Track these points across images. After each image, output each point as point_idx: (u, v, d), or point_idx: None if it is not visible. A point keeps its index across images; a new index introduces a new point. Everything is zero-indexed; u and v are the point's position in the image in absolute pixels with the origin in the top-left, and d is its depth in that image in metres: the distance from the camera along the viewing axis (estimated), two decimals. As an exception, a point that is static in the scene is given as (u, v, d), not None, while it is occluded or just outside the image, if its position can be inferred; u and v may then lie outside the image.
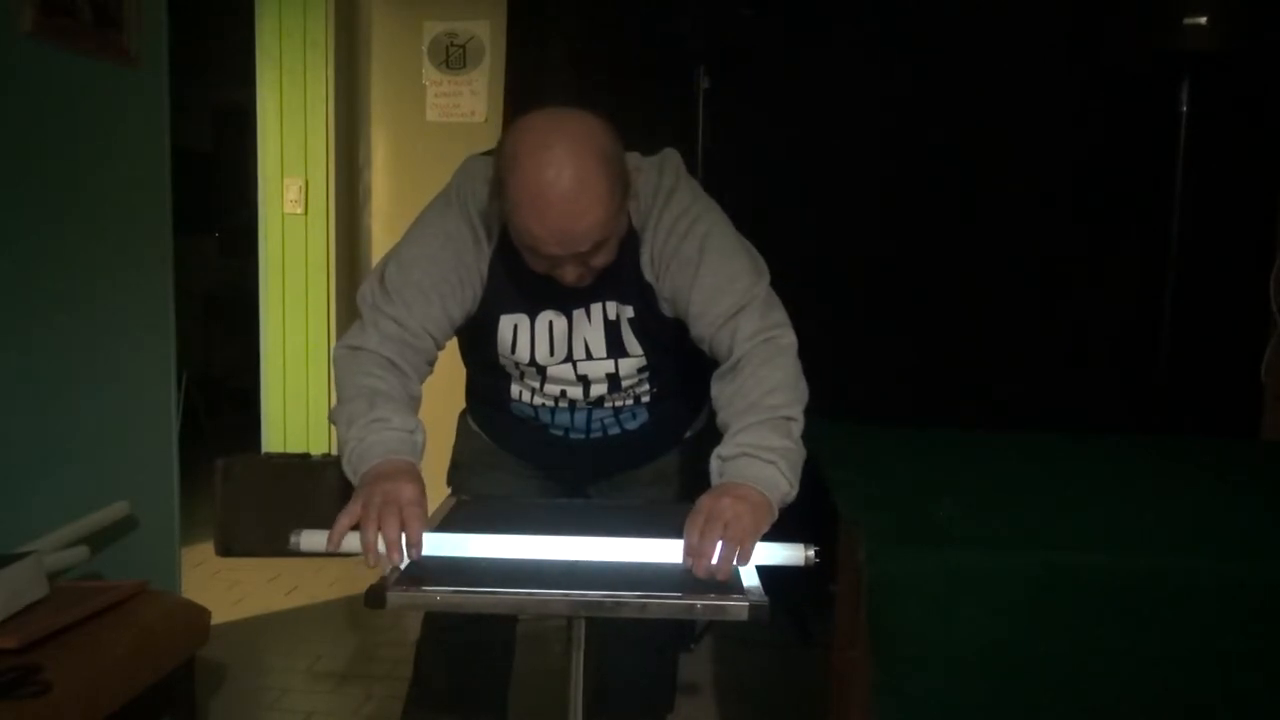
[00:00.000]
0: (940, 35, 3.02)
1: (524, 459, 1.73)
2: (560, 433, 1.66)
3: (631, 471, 1.73)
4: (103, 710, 1.73)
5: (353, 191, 3.97)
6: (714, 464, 1.33)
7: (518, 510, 1.56)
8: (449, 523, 1.43)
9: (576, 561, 1.24)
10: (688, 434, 1.75)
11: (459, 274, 1.46)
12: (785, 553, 1.24)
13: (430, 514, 1.35)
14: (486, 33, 3.77)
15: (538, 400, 1.61)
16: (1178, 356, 2.78)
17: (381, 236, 3.99)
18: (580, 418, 1.63)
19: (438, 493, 1.69)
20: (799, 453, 1.33)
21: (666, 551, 1.24)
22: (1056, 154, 3.04)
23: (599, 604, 1.15)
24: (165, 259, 2.59)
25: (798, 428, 1.35)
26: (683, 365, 1.59)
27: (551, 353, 1.52)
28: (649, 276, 1.46)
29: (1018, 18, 2.99)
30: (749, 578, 1.20)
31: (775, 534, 1.26)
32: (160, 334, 2.58)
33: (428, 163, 3.86)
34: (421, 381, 1.47)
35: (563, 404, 1.61)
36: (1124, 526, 1.38)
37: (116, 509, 2.29)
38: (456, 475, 1.77)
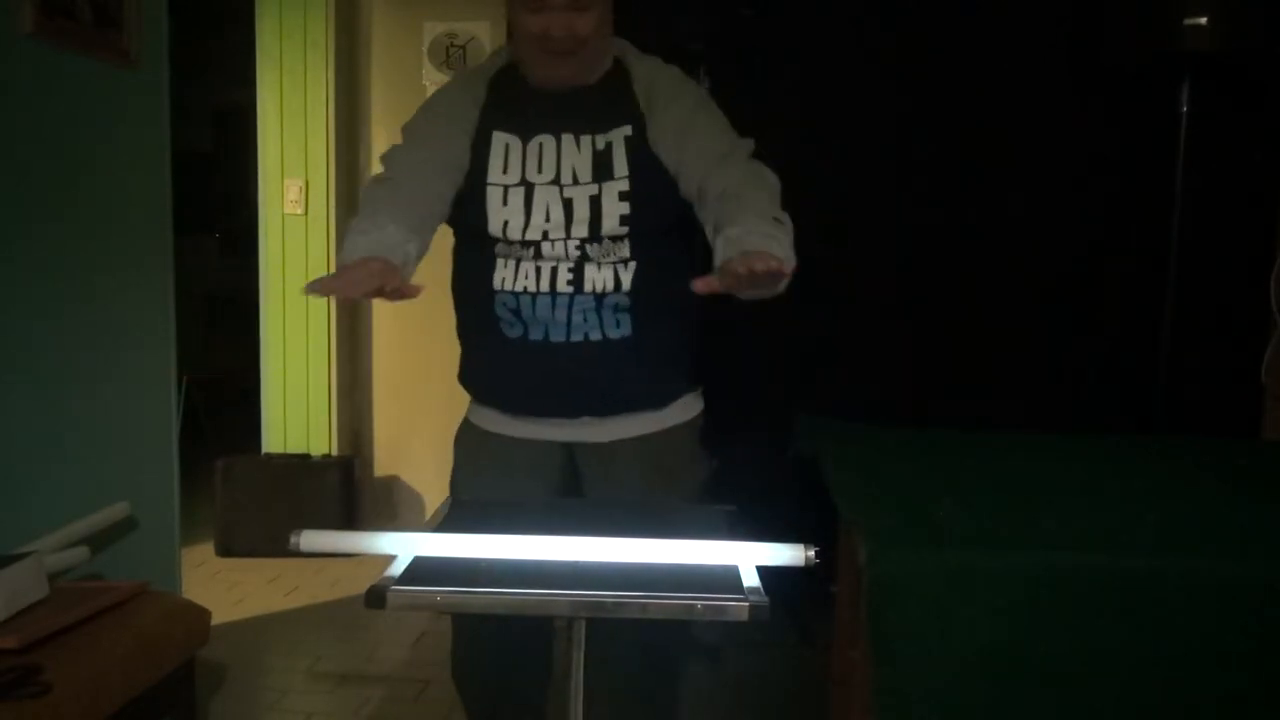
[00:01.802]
0: (940, 35, 3.02)
1: (511, 404, 1.72)
2: (541, 336, 1.64)
3: (628, 456, 1.71)
4: (103, 711, 1.73)
5: (353, 192, 3.97)
6: (722, 242, 1.47)
7: (517, 511, 1.55)
8: (448, 523, 1.43)
9: (577, 562, 1.23)
10: (681, 406, 1.75)
11: (465, 102, 1.68)
12: (785, 553, 1.24)
13: (429, 516, 1.36)
14: (486, 33, 3.77)
15: (520, 282, 1.62)
16: (1178, 356, 2.78)
17: (382, 237, 3.98)
18: (561, 311, 1.62)
19: (440, 493, 1.69)
20: (789, 238, 1.52)
21: (667, 552, 1.24)
22: (1057, 154, 3.04)
23: (599, 604, 1.14)
24: (166, 259, 2.59)
25: (789, 226, 1.54)
26: (661, 245, 1.66)
27: (540, 170, 1.62)
28: (643, 107, 1.65)
29: (1018, 18, 3.00)
30: (749, 578, 1.20)
31: (775, 534, 1.26)
32: (160, 334, 2.58)
33: (428, 163, 3.87)
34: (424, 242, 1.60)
35: (543, 284, 1.62)
36: (1124, 526, 1.38)
37: (117, 509, 2.29)
38: (457, 476, 1.78)
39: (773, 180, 1.61)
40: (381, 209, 1.54)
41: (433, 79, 3.83)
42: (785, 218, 1.55)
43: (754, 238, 1.44)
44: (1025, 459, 1.81)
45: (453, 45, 3.81)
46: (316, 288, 1.36)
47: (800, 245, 2.83)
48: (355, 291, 1.39)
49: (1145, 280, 2.91)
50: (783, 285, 1.45)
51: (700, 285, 1.42)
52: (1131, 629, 1.19)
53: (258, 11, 3.84)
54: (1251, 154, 2.92)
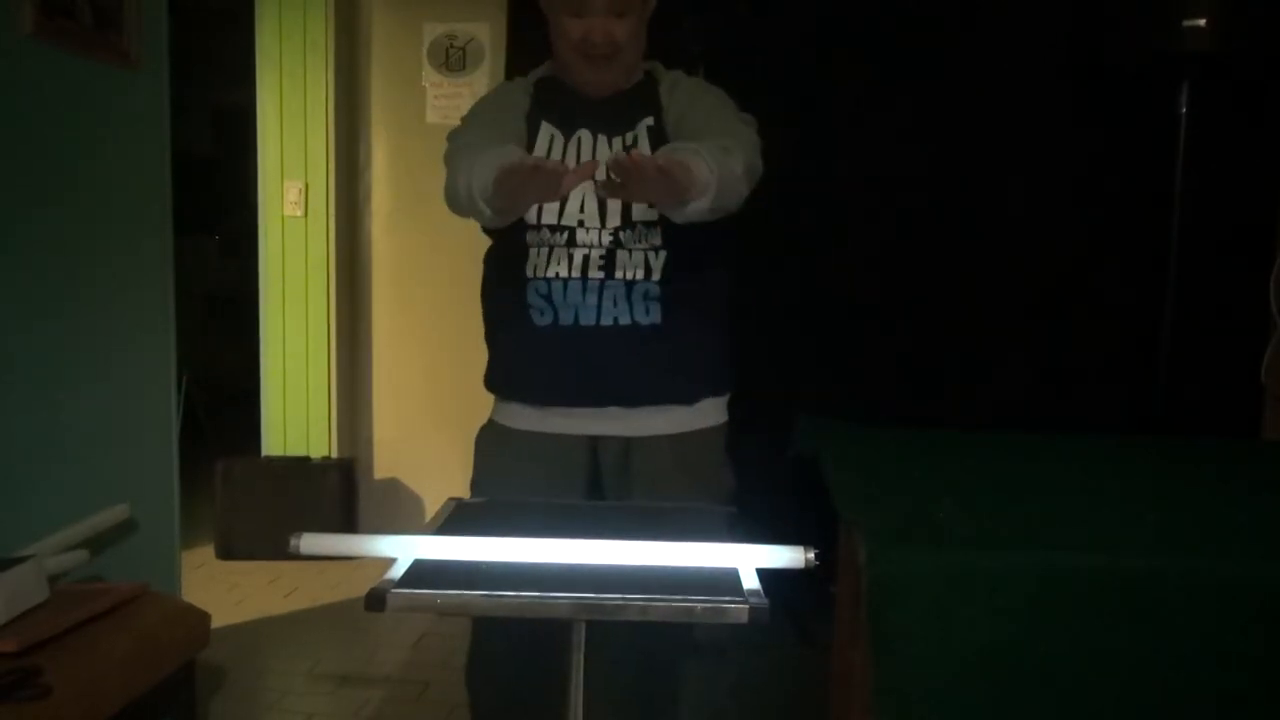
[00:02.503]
0: (940, 38, 3.02)
1: (538, 393, 1.73)
2: (571, 320, 1.67)
3: (652, 454, 1.71)
4: (103, 713, 1.73)
5: (352, 194, 3.97)
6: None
7: (517, 513, 1.55)
8: (450, 525, 1.43)
9: (577, 564, 1.23)
10: (709, 408, 1.75)
11: (517, 92, 1.78)
12: (785, 554, 1.24)
13: (429, 518, 1.38)
14: (486, 34, 3.77)
15: (552, 268, 1.66)
16: (1178, 357, 2.78)
17: (381, 239, 3.99)
18: (592, 295, 1.66)
19: (440, 495, 1.69)
20: (726, 162, 1.52)
21: (667, 554, 1.23)
22: (1057, 156, 3.04)
23: (599, 606, 1.14)
24: (166, 261, 2.59)
25: (736, 160, 1.55)
26: (694, 237, 1.67)
27: (578, 163, 1.69)
28: (664, 101, 1.74)
29: (1017, 21, 3.00)
30: (749, 580, 1.20)
31: (775, 535, 1.26)
32: (160, 336, 2.57)
33: (428, 165, 3.84)
34: None
35: (575, 270, 1.65)
36: (1124, 527, 1.38)
37: (117, 511, 2.29)
38: (478, 476, 1.78)
39: (748, 135, 1.67)
40: (488, 146, 1.58)
41: (432, 80, 3.83)
42: (739, 150, 1.58)
43: (676, 151, 1.49)
44: (1025, 459, 1.81)
45: (452, 46, 3.82)
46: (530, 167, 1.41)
47: (801, 246, 2.85)
48: (562, 167, 1.45)
49: (1145, 281, 2.91)
50: (694, 204, 1.49)
51: (579, 172, 1.49)
52: (1132, 629, 1.19)
53: (257, 13, 3.84)
54: (1251, 155, 2.92)
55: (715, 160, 1.51)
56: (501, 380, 1.80)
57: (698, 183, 1.46)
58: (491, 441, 1.80)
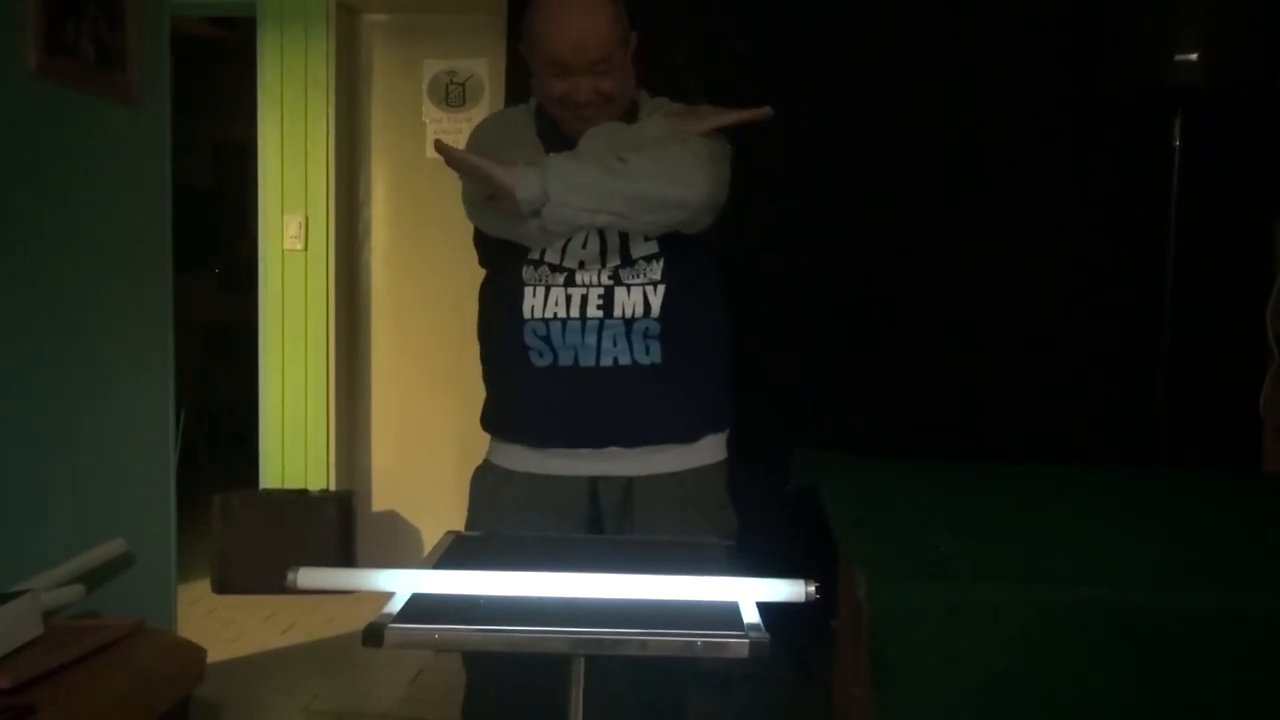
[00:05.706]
0: (933, 72, 3.05)
1: (538, 435, 1.71)
2: (570, 361, 1.65)
3: (654, 494, 1.70)
4: (97, 751, 1.71)
5: (352, 228, 3.99)
6: None
7: (516, 547, 1.55)
8: (448, 559, 1.43)
9: (576, 598, 1.23)
10: (709, 445, 1.75)
11: (522, 122, 1.77)
12: (785, 588, 1.24)
13: (428, 552, 1.37)
14: (485, 71, 3.81)
15: (550, 309, 1.65)
16: (1176, 389, 2.79)
17: (381, 273, 4.00)
18: (591, 335, 1.64)
19: (438, 528, 1.68)
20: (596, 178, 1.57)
21: (666, 587, 1.23)
22: (1050, 189, 3.06)
23: (598, 641, 1.14)
24: (166, 294, 2.60)
25: (630, 168, 1.57)
26: (691, 268, 1.68)
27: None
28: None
29: (1012, 54, 3.03)
30: (749, 614, 1.19)
31: (775, 569, 1.25)
32: (159, 369, 2.58)
33: (427, 199, 3.89)
34: None
35: (574, 310, 1.64)
36: (1125, 559, 1.38)
37: (113, 546, 2.28)
38: (474, 519, 1.77)
39: (680, 159, 1.63)
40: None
41: (432, 116, 3.87)
42: (631, 165, 1.58)
43: (537, 165, 1.56)
44: (1025, 491, 1.81)
45: (452, 83, 3.85)
46: None
47: (796, 279, 2.87)
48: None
49: (1141, 312, 2.91)
50: (546, 209, 1.55)
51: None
52: (1131, 661, 1.18)
53: (259, 49, 3.88)
54: (1244, 185, 2.95)
55: (579, 168, 1.56)
56: (501, 422, 1.77)
57: (508, 195, 1.54)
58: (489, 484, 1.77)
